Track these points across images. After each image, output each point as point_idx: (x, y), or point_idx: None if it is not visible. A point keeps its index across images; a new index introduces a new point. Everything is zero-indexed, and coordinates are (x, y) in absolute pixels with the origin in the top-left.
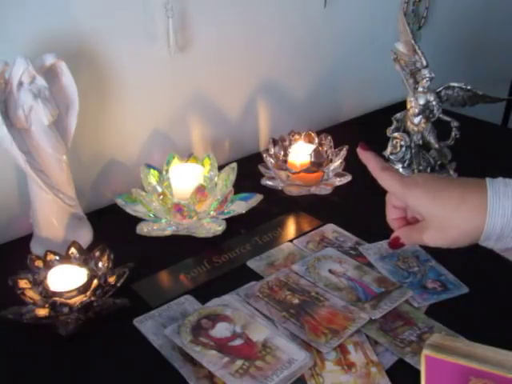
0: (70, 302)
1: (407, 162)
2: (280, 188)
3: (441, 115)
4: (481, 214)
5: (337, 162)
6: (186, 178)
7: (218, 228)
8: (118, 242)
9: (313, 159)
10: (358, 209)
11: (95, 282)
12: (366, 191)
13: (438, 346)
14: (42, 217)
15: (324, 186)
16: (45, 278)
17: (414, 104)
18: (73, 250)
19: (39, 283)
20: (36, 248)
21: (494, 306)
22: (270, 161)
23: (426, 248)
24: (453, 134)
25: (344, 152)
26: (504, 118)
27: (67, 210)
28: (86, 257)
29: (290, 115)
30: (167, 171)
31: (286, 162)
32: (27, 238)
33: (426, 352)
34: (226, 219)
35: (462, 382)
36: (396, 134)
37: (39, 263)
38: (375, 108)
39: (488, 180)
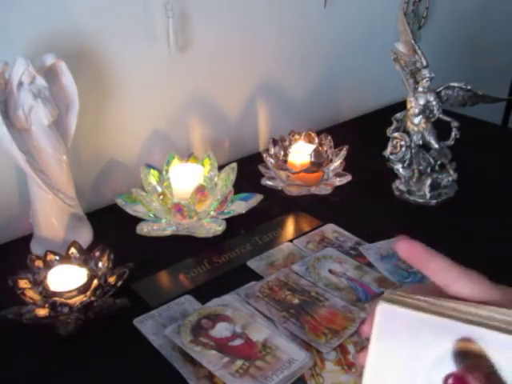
0: (70, 301)
1: (407, 161)
2: (280, 188)
3: (441, 115)
4: None
5: (337, 162)
6: (186, 177)
7: (217, 228)
8: (118, 242)
9: (313, 159)
10: (357, 209)
11: (95, 282)
12: (366, 191)
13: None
14: (42, 217)
15: (324, 186)
16: (45, 277)
17: (414, 104)
18: (73, 250)
19: (39, 283)
20: (36, 248)
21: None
22: (270, 161)
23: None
24: (453, 134)
25: (344, 152)
26: (504, 118)
27: (67, 210)
28: (86, 257)
29: (289, 115)
30: (167, 171)
31: (286, 162)
32: (27, 238)
33: (382, 304)
34: (226, 219)
35: (413, 334)
36: (396, 134)
37: (39, 263)
38: (375, 108)
39: None
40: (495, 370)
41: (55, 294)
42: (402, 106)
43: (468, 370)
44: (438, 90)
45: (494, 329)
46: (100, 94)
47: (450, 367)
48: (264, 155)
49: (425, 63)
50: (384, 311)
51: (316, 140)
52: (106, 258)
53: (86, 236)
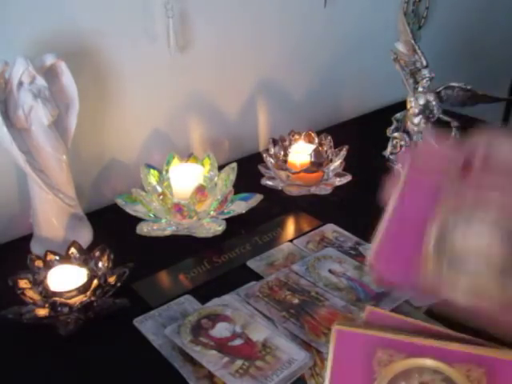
0: (70, 301)
1: None
2: (280, 188)
3: (441, 115)
4: None
5: (337, 162)
6: (185, 177)
7: (217, 228)
8: (118, 242)
9: (313, 159)
10: (357, 209)
11: (95, 282)
12: (366, 191)
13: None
14: (42, 217)
15: (324, 186)
16: (45, 277)
17: (414, 104)
18: (73, 250)
19: (39, 283)
20: (36, 248)
21: None
22: (270, 161)
23: None
24: (453, 134)
25: (344, 152)
26: (504, 118)
27: (67, 210)
28: (86, 257)
29: (290, 115)
30: (167, 171)
31: (286, 162)
32: (27, 238)
33: (335, 327)
34: (226, 219)
35: (368, 355)
36: (396, 134)
37: (39, 263)
38: (375, 108)
39: None
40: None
41: (55, 293)
42: (402, 105)
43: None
44: (438, 90)
45: (450, 344)
46: (100, 93)
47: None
48: (264, 155)
49: (425, 63)
50: (340, 334)
51: (316, 140)
52: (106, 257)
53: (85, 236)
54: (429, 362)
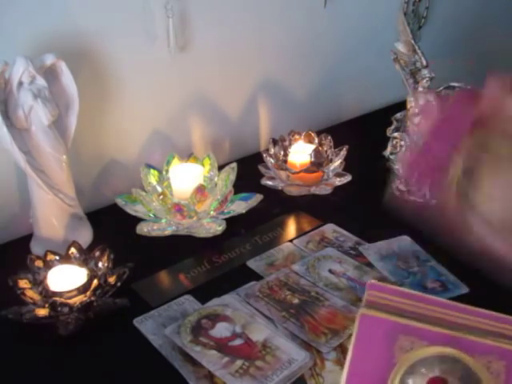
0: (70, 302)
1: None
2: (280, 188)
3: None
4: None
5: (337, 162)
6: (185, 177)
7: (218, 228)
8: (118, 242)
9: (313, 159)
10: (357, 209)
11: (95, 281)
12: (366, 191)
13: (374, 306)
14: (42, 217)
15: (324, 186)
16: (45, 278)
17: (414, 104)
18: (73, 250)
19: (39, 283)
20: (36, 248)
21: (493, 306)
22: (270, 161)
23: (426, 248)
24: None
25: (344, 152)
26: None
27: (67, 210)
28: (86, 257)
29: (290, 115)
30: (167, 171)
31: (286, 162)
32: (27, 238)
33: (361, 311)
34: (226, 219)
35: (390, 341)
36: (396, 134)
37: (39, 263)
38: (375, 108)
39: None
40: (469, 373)
41: (55, 293)
42: (401, 106)
43: (443, 374)
44: (438, 90)
45: (473, 335)
46: (100, 93)
47: (426, 371)
48: (264, 155)
49: (425, 63)
50: (364, 317)
51: (316, 140)
52: (106, 257)
53: (85, 236)
54: (449, 351)
